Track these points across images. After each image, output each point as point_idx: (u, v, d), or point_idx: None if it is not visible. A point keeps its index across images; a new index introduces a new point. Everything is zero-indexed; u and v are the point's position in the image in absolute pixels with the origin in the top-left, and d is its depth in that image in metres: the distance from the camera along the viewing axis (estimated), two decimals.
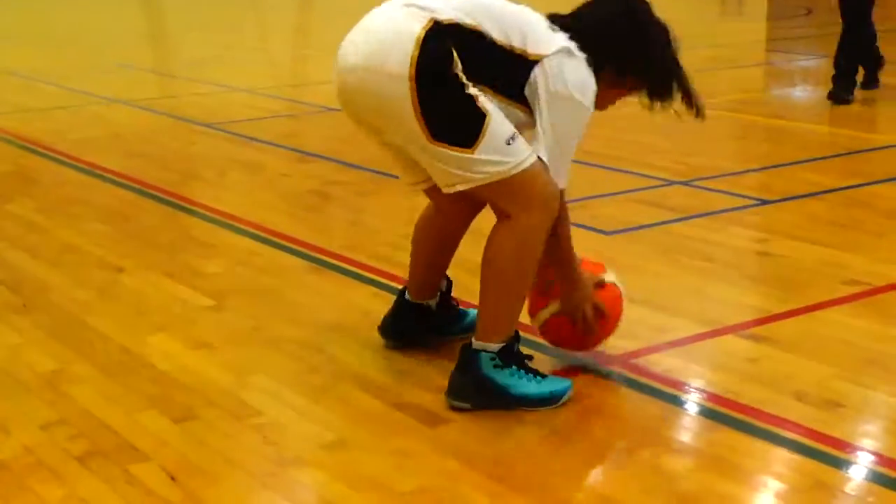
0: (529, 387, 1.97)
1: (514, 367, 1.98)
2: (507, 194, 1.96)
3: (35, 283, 3.01)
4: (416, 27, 1.88)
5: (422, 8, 1.91)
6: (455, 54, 1.89)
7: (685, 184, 4.01)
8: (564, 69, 1.92)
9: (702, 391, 2.12)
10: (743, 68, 7.57)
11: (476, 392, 1.97)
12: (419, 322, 2.30)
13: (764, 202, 3.72)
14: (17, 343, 2.50)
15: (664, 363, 2.25)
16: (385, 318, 2.33)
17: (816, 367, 2.19)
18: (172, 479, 1.78)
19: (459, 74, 1.89)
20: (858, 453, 1.85)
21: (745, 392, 2.07)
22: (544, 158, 1.93)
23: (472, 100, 1.89)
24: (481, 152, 1.89)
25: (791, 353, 2.27)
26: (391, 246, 3.07)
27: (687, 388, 2.14)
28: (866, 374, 2.16)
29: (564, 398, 2.00)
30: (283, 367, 2.29)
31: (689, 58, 2.17)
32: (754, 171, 4.31)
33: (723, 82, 6.48)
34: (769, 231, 3.37)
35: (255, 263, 3.12)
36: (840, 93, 5.45)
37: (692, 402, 2.08)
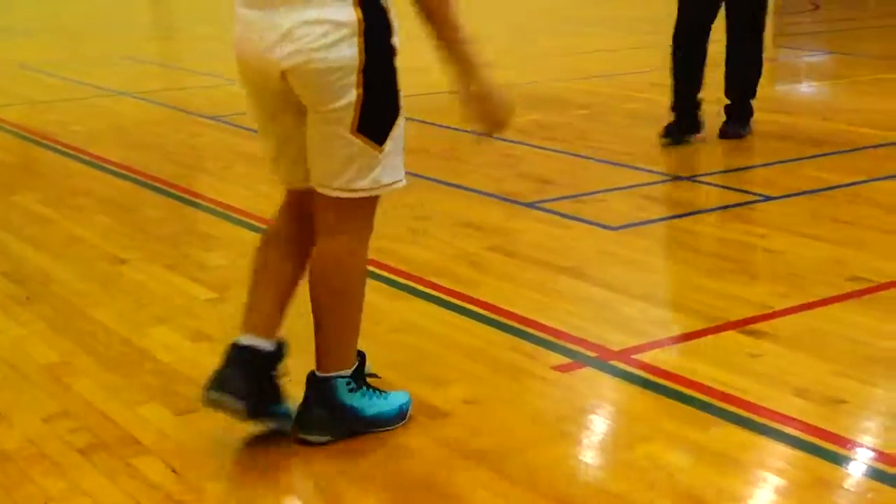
0: (380, 405, 1.91)
1: (364, 388, 1.92)
2: (353, 210, 1.87)
3: (38, 275, 3.04)
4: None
5: None
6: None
7: (690, 179, 4.04)
8: None
9: (703, 387, 2.12)
10: None
11: (332, 421, 1.87)
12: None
13: (768, 198, 3.72)
14: (20, 335, 2.52)
15: (665, 358, 2.26)
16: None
17: (818, 364, 2.19)
18: (174, 471, 1.79)
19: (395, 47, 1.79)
20: (859, 450, 1.85)
21: (746, 388, 2.07)
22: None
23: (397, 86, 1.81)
24: (385, 155, 1.82)
25: (793, 350, 2.27)
26: (392, 239, 3.07)
27: (688, 383, 2.14)
28: (868, 371, 2.16)
29: (409, 411, 1.95)
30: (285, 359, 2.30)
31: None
32: (758, 166, 4.33)
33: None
34: (772, 227, 3.37)
35: None
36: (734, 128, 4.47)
37: (693, 398, 2.08)
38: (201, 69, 7.41)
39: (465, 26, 1.79)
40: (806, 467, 1.78)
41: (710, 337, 2.39)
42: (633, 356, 2.26)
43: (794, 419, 1.92)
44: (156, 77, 7.45)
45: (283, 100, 1.82)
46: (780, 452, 1.84)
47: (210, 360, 2.29)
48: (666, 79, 4.52)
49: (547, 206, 3.62)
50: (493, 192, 3.78)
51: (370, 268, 2.02)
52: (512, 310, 2.56)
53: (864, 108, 5.47)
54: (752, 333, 2.38)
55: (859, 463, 1.82)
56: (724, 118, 4.49)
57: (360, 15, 1.70)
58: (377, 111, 1.78)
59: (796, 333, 2.38)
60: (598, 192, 3.74)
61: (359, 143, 1.78)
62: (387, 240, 3.17)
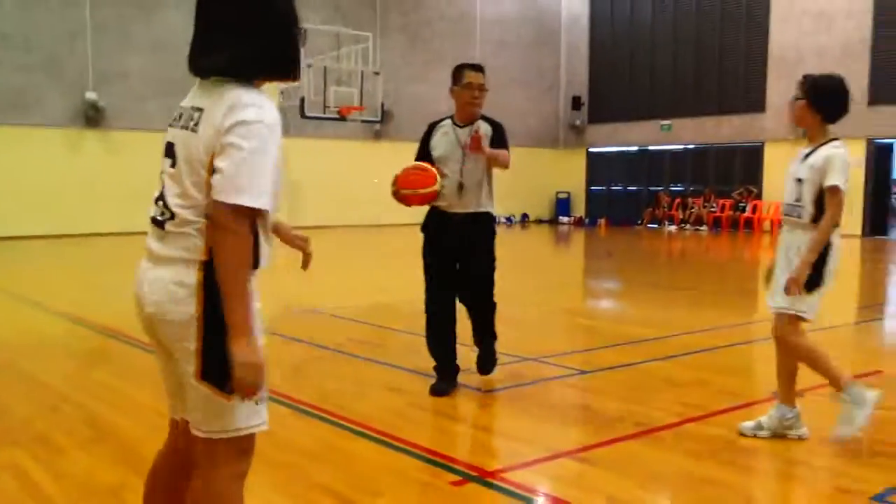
0: None
1: None
2: (221, 449, 1.95)
3: (107, 424, 4.00)
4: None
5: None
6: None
7: (534, 360, 5.57)
8: None
9: (548, 496, 3.22)
10: (572, 287, 10.54)
11: None
12: None
13: (583, 372, 5.31)
14: (92, 463, 3.42)
15: (523, 477, 3.35)
16: None
17: (618, 480, 3.31)
18: None
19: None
20: None
21: (577, 497, 3.14)
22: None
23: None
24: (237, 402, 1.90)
25: (605, 471, 3.42)
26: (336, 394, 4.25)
27: (537, 493, 3.24)
28: (654, 483, 3.30)
29: None
30: None
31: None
32: (578, 352, 6.12)
33: (559, 298, 8.97)
34: (588, 391, 4.85)
35: None
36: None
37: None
38: None
39: (246, 288, 1.86)
40: None
41: (550, 462, 3.51)
42: (500, 475, 3.34)
43: None
44: None
45: (154, 337, 2.02)
46: None
47: None
48: None
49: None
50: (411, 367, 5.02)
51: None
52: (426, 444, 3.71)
53: (645, 318, 7.15)
54: (578, 460, 3.54)
55: None
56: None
57: (201, 277, 1.87)
58: (219, 361, 1.85)
59: (607, 460, 3.53)
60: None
61: (204, 389, 1.90)
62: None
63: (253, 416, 1.95)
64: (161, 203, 1.96)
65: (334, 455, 3.59)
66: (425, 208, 4.64)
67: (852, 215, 19.27)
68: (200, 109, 1.93)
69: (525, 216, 24.98)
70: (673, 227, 22.20)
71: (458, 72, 4.62)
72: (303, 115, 16.39)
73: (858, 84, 19.13)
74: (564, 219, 25.04)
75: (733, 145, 21.78)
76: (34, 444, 3.69)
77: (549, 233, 21.55)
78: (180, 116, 2.00)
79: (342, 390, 4.70)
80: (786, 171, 3.95)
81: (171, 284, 1.90)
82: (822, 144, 3.83)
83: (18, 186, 16.55)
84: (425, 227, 4.69)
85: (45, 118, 17.09)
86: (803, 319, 3.74)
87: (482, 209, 4.61)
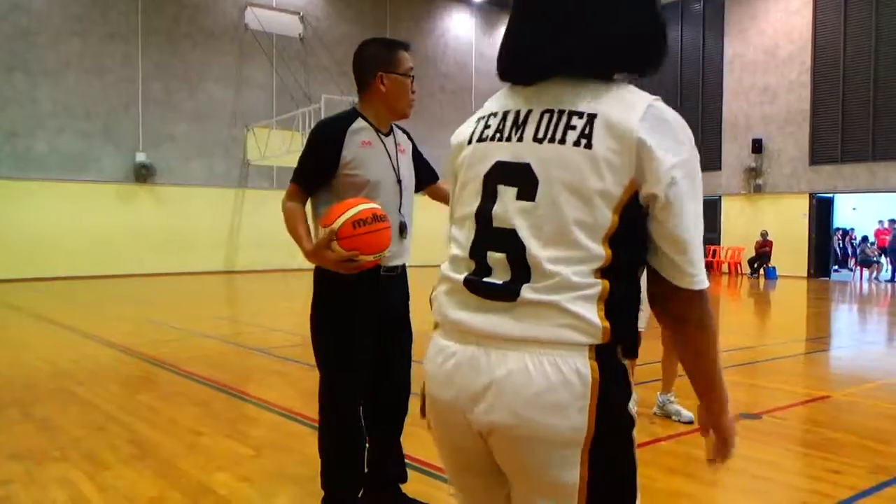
0: None
1: None
2: None
3: (148, 442, 3.93)
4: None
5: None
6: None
7: None
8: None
9: None
10: None
11: None
12: None
13: None
14: (135, 478, 3.34)
15: None
16: None
17: None
18: None
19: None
20: None
21: None
22: None
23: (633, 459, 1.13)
24: None
25: None
26: None
27: None
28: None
29: None
30: None
31: None
32: None
33: None
34: None
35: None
36: None
37: None
38: (254, 322, 9.49)
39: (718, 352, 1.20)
40: None
41: None
42: None
43: None
44: (226, 327, 9.10)
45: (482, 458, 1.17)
46: None
47: (251, 495, 3.22)
48: None
49: None
50: None
51: None
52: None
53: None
54: None
55: None
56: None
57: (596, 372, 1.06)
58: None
59: None
60: None
61: None
62: None
63: None
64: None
65: None
66: None
67: (799, 259, 19.29)
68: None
69: None
70: None
71: (391, 51, 2.57)
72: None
73: (801, 147, 19.34)
74: None
75: None
76: (83, 459, 3.62)
77: None
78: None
79: None
80: None
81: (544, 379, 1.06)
82: None
83: (77, 233, 16.70)
84: (341, 292, 2.56)
85: (101, 175, 17.25)
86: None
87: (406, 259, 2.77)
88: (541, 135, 1.10)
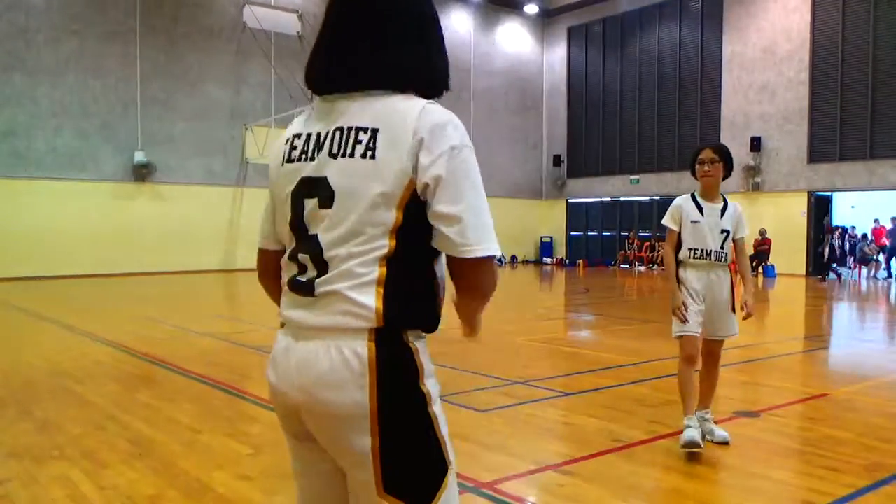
0: None
1: None
2: None
3: (147, 441, 3.93)
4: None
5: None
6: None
7: (523, 383, 5.44)
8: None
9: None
10: (555, 319, 10.33)
11: None
12: None
13: (567, 394, 5.14)
14: (134, 477, 3.36)
15: (513, 487, 3.29)
16: None
17: (598, 490, 3.24)
18: None
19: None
20: None
21: None
22: None
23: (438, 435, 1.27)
24: None
25: (585, 482, 3.35)
26: None
27: (526, 503, 3.16)
28: (629, 493, 3.22)
29: None
30: None
31: None
32: (561, 376, 5.86)
33: (543, 328, 8.78)
34: (570, 411, 4.68)
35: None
36: None
37: None
38: (255, 321, 9.64)
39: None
40: None
41: (537, 474, 3.44)
42: (496, 486, 3.27)
43: None
44: (225, 325, 9.04)
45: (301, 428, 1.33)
46: None
47: (250, 493, 3.24)
48: None
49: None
50: None
51: None
52: None
53: (619, 345, 7.10)
54: (562, 472, 3.46)
55: None
56: None
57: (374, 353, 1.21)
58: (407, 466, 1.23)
59: (588, 472, 3.46)
60: (472, 390, 4.96)
61: None
62: None
63: None
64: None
65: None
66: None
67: (797, 258, 19.30)
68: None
69: (514, 258, 24.98)
70: (642, 268, 22.17)
71: None
72: None
73: (799, 145, 19.34)
74: (548, 260, 25.06)
75: None
76: (82, 458, 3.62)
77: (534, 272, 21.49)
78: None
79: None
80: (701, 222, 3.87)
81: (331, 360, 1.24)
82: (725, 201, 3.96)
83: (76, 232, 16.69)
84: None
85: (99, 174, 17.23)
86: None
87: None
88: (335, 150, 1.28)
